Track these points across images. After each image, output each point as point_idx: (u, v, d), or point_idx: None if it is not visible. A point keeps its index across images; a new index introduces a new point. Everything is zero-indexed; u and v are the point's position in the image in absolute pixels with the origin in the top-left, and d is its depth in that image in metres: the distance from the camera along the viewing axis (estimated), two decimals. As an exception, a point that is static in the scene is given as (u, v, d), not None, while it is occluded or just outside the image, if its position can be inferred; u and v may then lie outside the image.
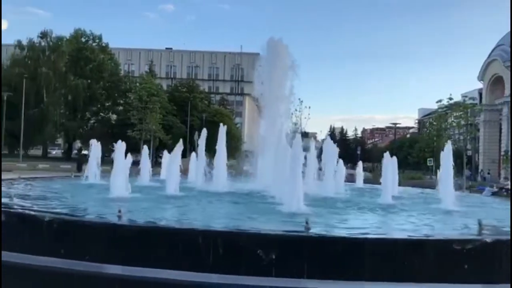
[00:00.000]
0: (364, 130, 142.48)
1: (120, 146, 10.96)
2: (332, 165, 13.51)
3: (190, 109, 66.13)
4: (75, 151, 68.82)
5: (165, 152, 16.27)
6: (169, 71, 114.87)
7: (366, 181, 18.60)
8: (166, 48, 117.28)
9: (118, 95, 70.72)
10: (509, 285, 4.87)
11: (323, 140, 14.10)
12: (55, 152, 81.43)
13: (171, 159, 12.40)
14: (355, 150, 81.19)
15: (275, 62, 15.30)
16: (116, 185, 10.29)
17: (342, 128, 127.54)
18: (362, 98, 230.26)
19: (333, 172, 13.49)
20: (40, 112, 61.53)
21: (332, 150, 13.72)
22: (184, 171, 13.71)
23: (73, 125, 65.53)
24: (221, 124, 14.08)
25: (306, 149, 12.17)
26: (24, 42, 67.61)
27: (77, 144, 73.34)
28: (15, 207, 7.31)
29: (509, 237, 5.62)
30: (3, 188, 10.87)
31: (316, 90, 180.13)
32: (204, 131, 14.55)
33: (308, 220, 5.64)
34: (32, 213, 6.64)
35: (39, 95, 62.19)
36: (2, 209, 6.51)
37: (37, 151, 74.98)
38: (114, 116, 71.05)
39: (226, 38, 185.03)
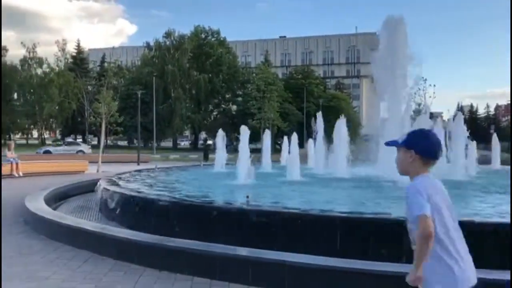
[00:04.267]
0: (497, 107, 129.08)
1: (244, 132, 11.43)
2: (462, 146, 12.60)
3: (306, 96, 66.25)
4: (200, 142, 73.33)
5: (285, 140, 16.61)
6: (284, 59, 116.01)
7: (503, 162, 17.02)
8: (280, 37, 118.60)
9: (237, 86, 73.64)
10: None
11: (450, 120, 13.15)
12: (184, 143, 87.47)
13: (291, 146, 12.70)
14: (487, 129, 74.30)
15: (394, 41, 14.60)
16: (241, 172, 10.83)
17: (471, 106, 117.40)
18: (495, 71, 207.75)
19: (463, 154, 12.58)
20: (169, 106, 66.66)
21: (461, 130, 12.79)
22: (303, 159, 13.90)
23: (197, 117, 69.81)
24: (341, 117, 13.80)
25: (432, 130, 11.51)
26: (152, 43, 73.62)
27: (202, 134, 78.12)
28: (157, 194, 8.09)
29: None
30: (139, 180, 12.02)
31: (442, 66, 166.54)
32: (321, 118, 14.60)
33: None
34: (174, 200, 7.28)
35: (166, 91, 67.40)
36: (152, 197, 7.22)
37: (167, 143, 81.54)
38: (234, 107, 74.15)
39: (340, 20, 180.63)
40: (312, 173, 13.10)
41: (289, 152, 13.17)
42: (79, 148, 45.60)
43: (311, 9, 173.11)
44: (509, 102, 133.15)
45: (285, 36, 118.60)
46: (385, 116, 14.96)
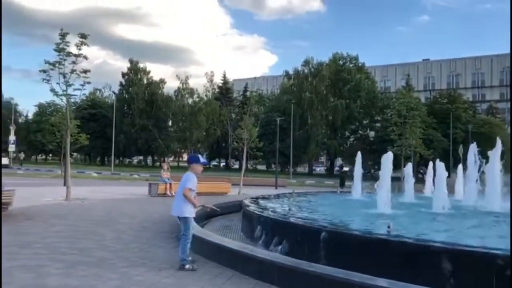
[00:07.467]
0: None
1: (387, 158, 11.04)
2: None
3: (452, 121, 61.74)
4: (336, 168, 72.76)
5: (429, 168, 15.60)
6: (427, 83, 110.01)
7: None
8: (423, 60, 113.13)
9: (375, 112, 71.87)
10: None
11: None
12: (319, 169, 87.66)
13: (437, 175, 11.90)
14: None
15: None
16: (381, 201, 10.47)
17: None
18: None
19: None
20: (305, 133, 67.75)
21: None
22: (449, 189, 12.90)
23: (333, 143, 69.59)
24: (497, 144, 12.49)
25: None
26: (291, 72, 76.20)
27: (338, 161, 77.48)
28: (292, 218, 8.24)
29: None
30: (278, 203, 12.33)
31: None
32: (473, 146, 13.43)
33: None
34: (311, 226, 7.35)
35: (303, 117, 68.72)
36: (290, 220, 7.41)
37: (303, 169, 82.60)
38: (372, 133, 72.30)
39: (492, 40, 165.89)
40: (460, 205, 12.09)
41: (433, 182, 12.31)
42: None
43: (456, 30, 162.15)
44: None
45: (428, 59, 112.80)
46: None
